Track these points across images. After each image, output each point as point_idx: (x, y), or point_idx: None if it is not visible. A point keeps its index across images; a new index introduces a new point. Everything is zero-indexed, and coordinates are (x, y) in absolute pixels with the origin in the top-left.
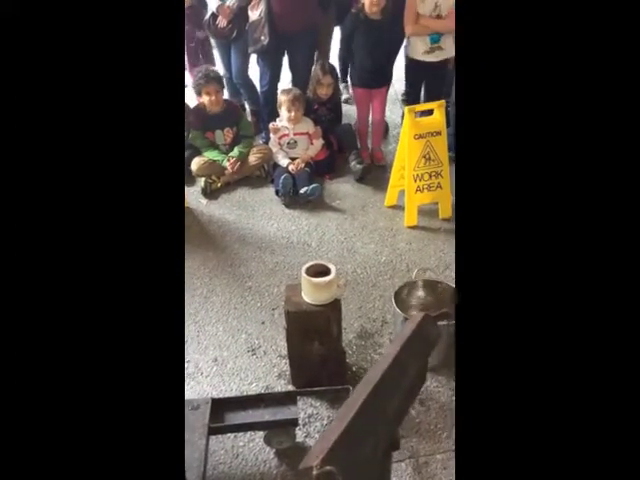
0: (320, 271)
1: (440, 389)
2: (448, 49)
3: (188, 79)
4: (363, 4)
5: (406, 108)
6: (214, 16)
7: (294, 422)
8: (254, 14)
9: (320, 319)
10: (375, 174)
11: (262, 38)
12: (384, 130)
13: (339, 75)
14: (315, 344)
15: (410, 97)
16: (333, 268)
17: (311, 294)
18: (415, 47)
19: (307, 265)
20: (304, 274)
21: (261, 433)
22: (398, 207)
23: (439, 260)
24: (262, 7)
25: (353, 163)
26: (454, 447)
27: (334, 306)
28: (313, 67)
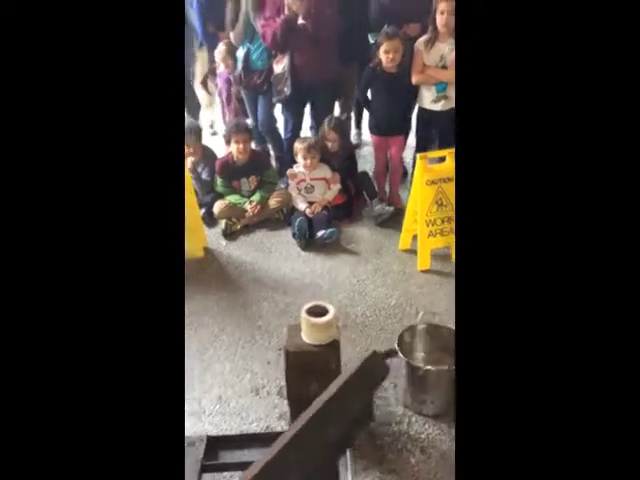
0: (321, 312)
1: (442, 437)
2: (454, 98)
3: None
4: (380, 59)
5: (418, 155)
6: (245, 71)
7: None
8: (278, 67)
9: (319, 359)
10: (392, 218)
11: (285, 89)
12: (402, 175)
13: (353, 122)
14: (314, 385)
15: (420, 144)
16: (332, 309)
17: (310, 334)
18: (423, 96)
19: (307, 305)
20: (303, 314)
21: None
22: (412, 251)
23: (450, 304)
24: (285, 61)
25: (379, 206)
26: None
27: (333, 347)
28: (323, 123)
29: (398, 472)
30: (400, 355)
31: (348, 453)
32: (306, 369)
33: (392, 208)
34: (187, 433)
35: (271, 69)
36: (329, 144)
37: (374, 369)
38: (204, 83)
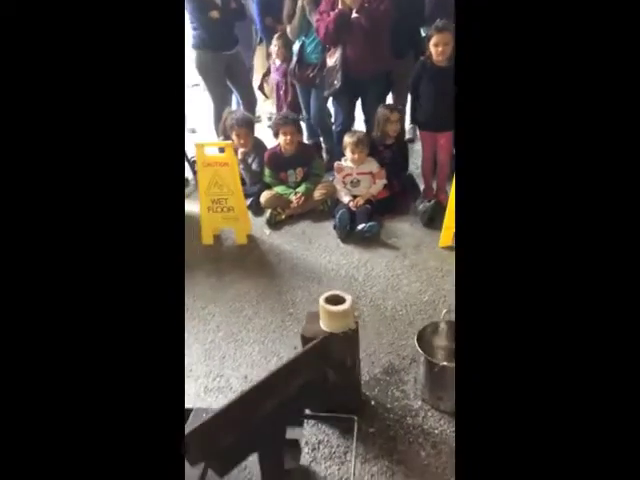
0: (340, 301)
1: None
2: None
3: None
4: (430, 53)
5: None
6: (299, 64)
7: (295, 443)
8: (331, 60)
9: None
10: (436, 214)
11: (335, 82)
12: (451, 171)
13: (408, 116)
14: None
15: None
16: (349, 298)
17: (327, 322)
18: None
19: (326, 294)
20: (321, 302)
21: None
22: (452, 248)
23: None
24: (338, 54)
25: (422, 205)
26: None
27: (348, 336)
28: (378, 109)
29: (406, 464)
30: (419, 350)
31: (355, 441)
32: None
33: (432, 202)
34: (212, 406)
35: (324, 63)
36: (393, 127)
37: (328, 350)
38: (261, 87)
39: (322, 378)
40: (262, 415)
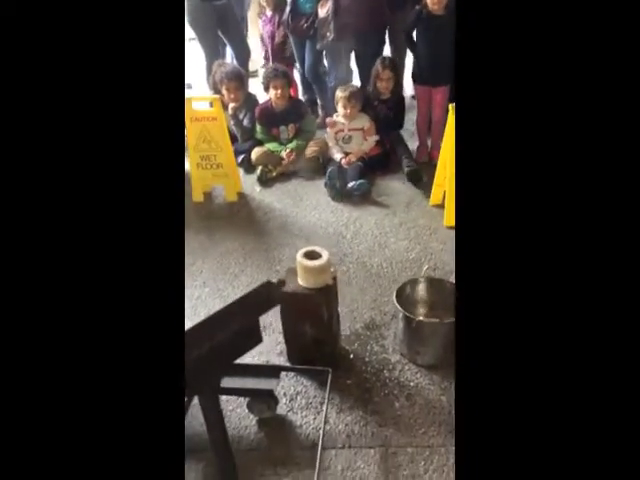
0: (317, 257)
1: (431, 387)
2: None
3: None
4: (426, 1)
5: (450, 106)
6: (292, 14)
7: (270, 393)
8: (322, 11)
9: (310, 303)
10: (429, 172)
11: (328, 34)
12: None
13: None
14: (307, 326)
15: None
16: (325, 254)
17: (304, 277)
18: None
19: (304, 250)
20: (299, 257)
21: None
22: (443, 206)
23: None
24: (330, 4)
25: (407, 167)
26: (428, 443)
27: (325, 291)
28: (376, 62)
29: (380, 414)
30: (397, 306)
31: (328, 392)
32: (298, 311)
33: (412, 167)
34: None
35: (317, 13)
36: (383, 84)
37: (266, 295)
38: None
39: (255, 325)
40: (195, 360)
